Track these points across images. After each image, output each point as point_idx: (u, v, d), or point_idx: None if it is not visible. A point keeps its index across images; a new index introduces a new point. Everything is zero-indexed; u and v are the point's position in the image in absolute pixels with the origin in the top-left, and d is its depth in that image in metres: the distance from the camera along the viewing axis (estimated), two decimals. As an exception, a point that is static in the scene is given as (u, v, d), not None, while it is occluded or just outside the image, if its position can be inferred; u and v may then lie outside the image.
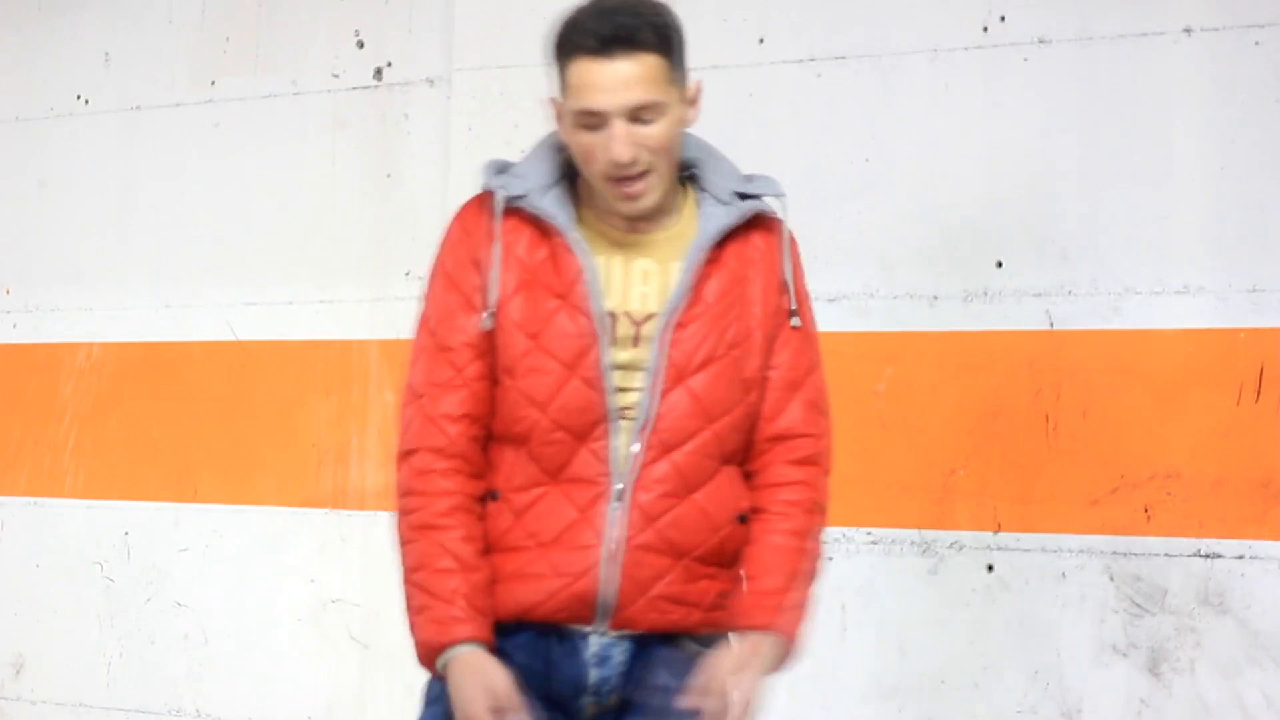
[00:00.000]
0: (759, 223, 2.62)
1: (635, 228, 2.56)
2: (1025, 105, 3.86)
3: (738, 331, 2.55)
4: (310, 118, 4.69)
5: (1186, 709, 3.64)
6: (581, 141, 2.49)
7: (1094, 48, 3.79)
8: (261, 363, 4.72)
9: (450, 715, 2.47)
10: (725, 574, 2.56)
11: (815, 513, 2.59)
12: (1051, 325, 3.80)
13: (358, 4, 4.65)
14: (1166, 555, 3.67)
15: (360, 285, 4.60)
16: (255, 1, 4.78)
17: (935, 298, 3.91)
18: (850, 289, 3.98)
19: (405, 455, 2.55)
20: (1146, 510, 3.69)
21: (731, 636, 2.54)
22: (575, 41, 2.45)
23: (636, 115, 2.46)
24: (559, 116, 2.55)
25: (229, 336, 4.76)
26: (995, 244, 3.86)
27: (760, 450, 2.59)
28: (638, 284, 2.54)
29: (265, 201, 4.74)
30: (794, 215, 4.05)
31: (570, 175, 2.59)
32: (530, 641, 2.52)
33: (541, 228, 2.54)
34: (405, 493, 2.54)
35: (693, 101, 2.54)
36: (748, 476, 2.60)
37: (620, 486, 2.49)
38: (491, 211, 2.55)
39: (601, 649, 2.52)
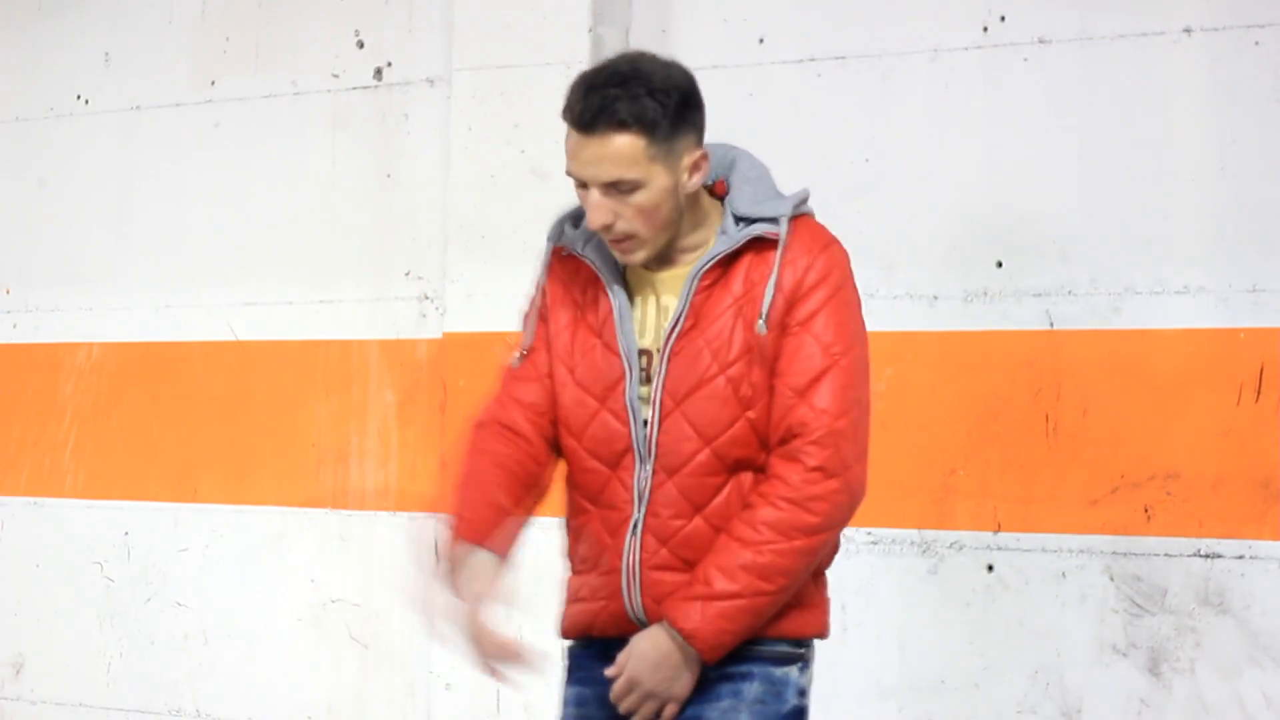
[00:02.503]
0: (770, 241, 2.66)
1: (666, 264, 2.68)
2: (1025, 105, 3.86)
3: (740, 346, 2.62)
4: (310, 118, 4.68)
5: (1186, 709, 3.64)
6: (579, 197, 2.65)
7: (1094, 48, 3.79)
8: (261, 363, 4.72)
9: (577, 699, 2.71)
10: None
11: (787, 507, 2.58)
12: (1051, 325, 3.80)
13: (358, 4, 4.64)
14: (1166, 555, 3.67)
15: (360, 285, 4.60)
16: (255, 1, 4.78)
17: (935, 298, 3.91)
18: (850, 289, 3.97)
19: (478, 424, 2.75)
20: (1146, 510, 3.69)
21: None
22: (567, 106, 2.59)
23: (613, 187, 2.58)
24: None
25: (229, 336, 4.76)
26: (995, 244, 3.86)
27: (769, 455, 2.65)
28: (663, 321, 2.68)
29: (265, 201, 4.74)
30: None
31: None
32: (601, 651, 2.67)
33: (595, 270, 2.71)
34: (469, 441, 2.74)
35: (692, 169, 2.62)
36: None
37: (638, 514, 2.63)
38: (570, 257, 2.74)
39: None
